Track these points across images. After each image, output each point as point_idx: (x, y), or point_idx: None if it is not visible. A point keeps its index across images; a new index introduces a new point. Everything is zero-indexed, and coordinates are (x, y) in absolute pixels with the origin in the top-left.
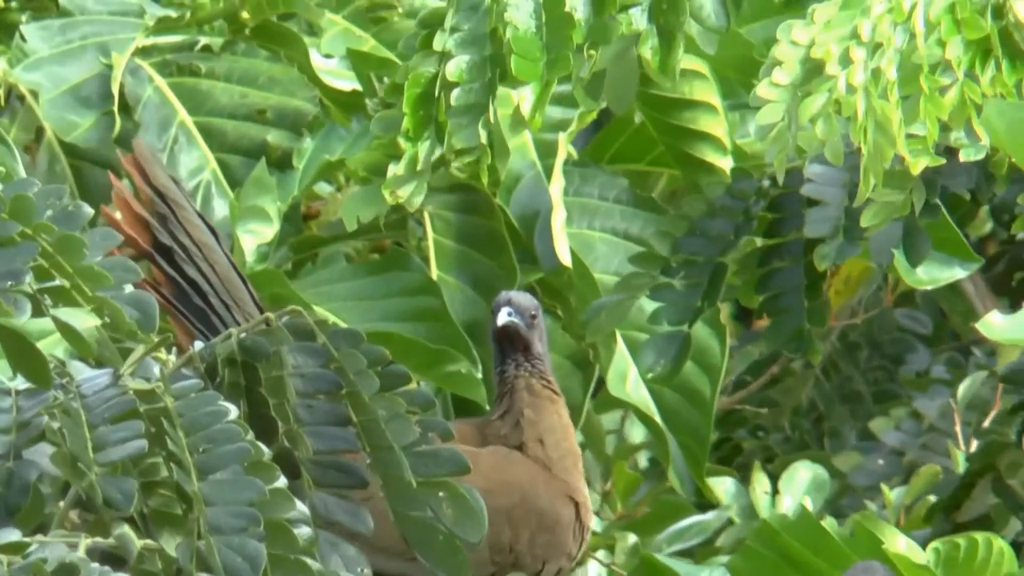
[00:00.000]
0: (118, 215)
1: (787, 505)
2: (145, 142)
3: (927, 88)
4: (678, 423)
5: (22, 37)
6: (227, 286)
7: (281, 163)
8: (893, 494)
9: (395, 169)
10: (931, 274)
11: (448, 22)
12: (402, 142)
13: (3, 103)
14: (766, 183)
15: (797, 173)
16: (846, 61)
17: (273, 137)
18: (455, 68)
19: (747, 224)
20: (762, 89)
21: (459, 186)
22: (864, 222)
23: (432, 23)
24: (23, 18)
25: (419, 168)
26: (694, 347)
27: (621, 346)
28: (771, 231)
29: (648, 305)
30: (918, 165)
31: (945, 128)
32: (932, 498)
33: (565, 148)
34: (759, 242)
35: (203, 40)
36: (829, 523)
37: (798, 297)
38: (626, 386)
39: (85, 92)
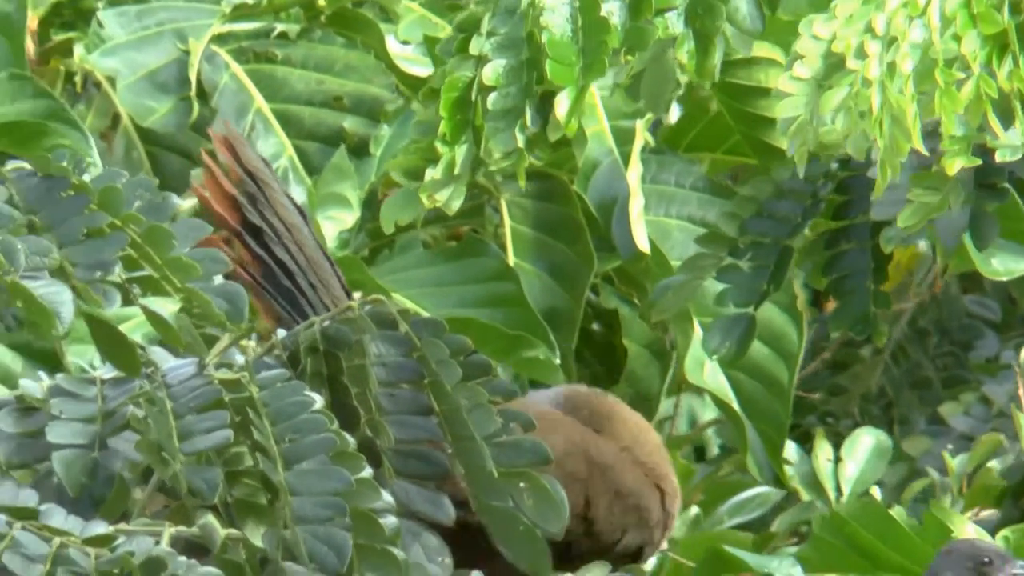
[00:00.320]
0: (208, 193)
1: (850, 472)
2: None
3: (942, 82)
4: (755, 410)
5: (99, 23)
6: (314, 268)
7: (358, 150)
8: (955, 462)
9: (432, 173)
10: (1007, 265)
11: (485, 26)
12: (439, 146)
13: (79, 89)
14: (834, 165)
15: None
16: (861, 55)
17: (350, 124)
18: (492, 72)
19: (815, 206)
20: (783, 83)
21: (536, 174)
22: (900, 223)
23: (469, 27)
24: (100, 4)
25: (456, 172)
26: (770, 333)
27: (699, 333)
28: (838, 213)
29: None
30: (954, 165)
31: (982, 128)
32: (995, 466)
33: (642, 135)
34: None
35: (279, 27)
36: (898, 512)
37: (864, 280)
38: (703, 373)
39: (162, 78)
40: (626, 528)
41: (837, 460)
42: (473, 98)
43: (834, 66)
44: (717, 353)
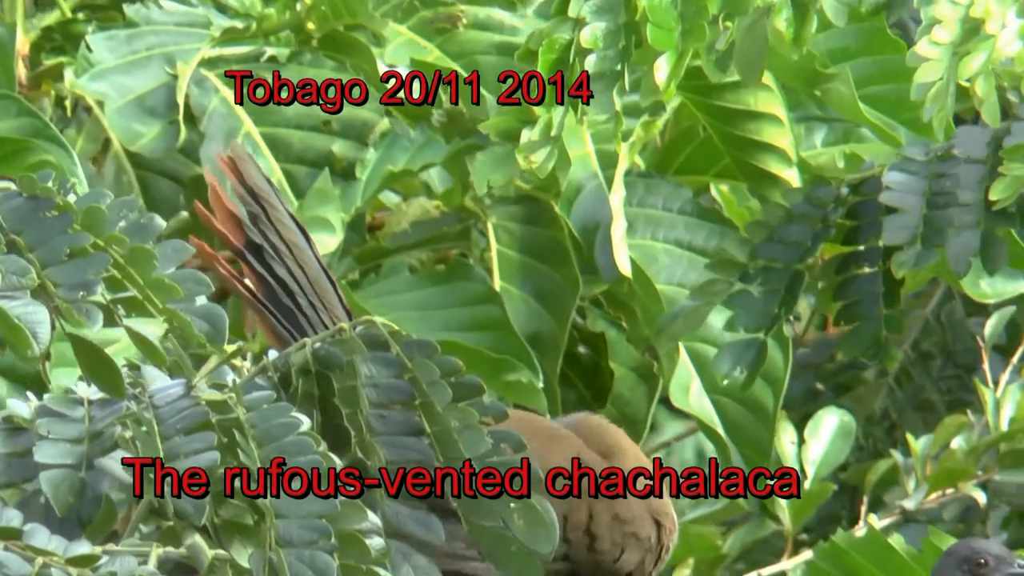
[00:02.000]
0: (211, 211)
1: (814, 454)
2: (240, 144)
3: None
4: (741, 435)
5: (88, 47)
6: (316, 288)
7: (347, 174)
8: (919, 444)
9: (529, 134)
10: (995, 287)
11: None
12: (536, 108)
13: (70, 114)
14: (844, 191)
15: (875, 181)
16: None
17: (339, 148)
18: (590, 35)
19: (825, 231)
20: (922, 47)
21: (523, 197)
22: (994, 195)
23: None
24: (89, 28)
25: (553, 133)
26: None
27: (684, 358)
28: (849, 238)
29: (714, 318)
30: None
31: None
32: (961, 447)
33: (628, 158)
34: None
35: (269, 51)
36: (896, 540)
37: (875, 305)
38: (689, 398)
39: (151, 102)
40: (624, 548)
41: (801, 442)
42: (571, 60)
43: (970, 31)
44: (729, 378)
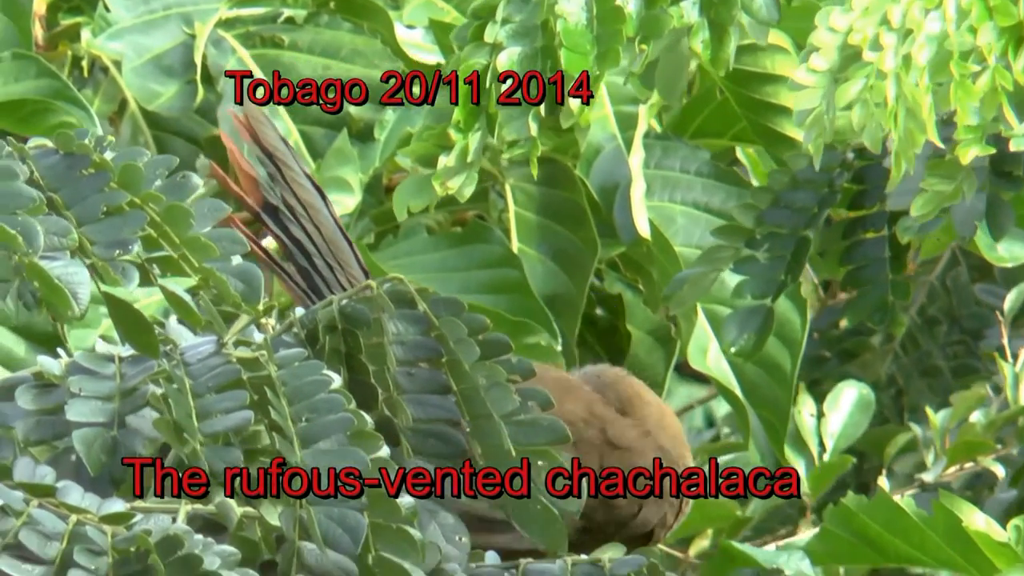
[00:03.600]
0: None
1: (833, 427)
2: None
3: (957, 74)
4: (759, 397)
5: (105, 7)
6: (332, 248)
7: (363, 135)
8: (938, 417)
9: (445, 160)
10: (1012, 252)
11: (499, 13)
12: (452, 133)
13: (87, 74)
14: (850, 155)
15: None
16: (876, 47)
17: (355, 109)
18: (506, 59)
19: (831, 196)
20: (800, 75)
21: (541, 159)
22: (914, 212)
23: (483, 15)
24: None
25: (469, 159)
26: (775, 321)
27: (702, 319)
28: (855, 203)
29: (730, 279)
30: (968, 154)
31: (997, 119)
32: (979, 420)
33: (646, 120)
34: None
35: (286, 12)
36: (907, 502)
37: (882, 270)
38: (707, 359)
39: (168, 61)
40: (644, 503)
41: (820, 415)
42: (487, 85)
43: (850, 58)
44: (735, 346)
